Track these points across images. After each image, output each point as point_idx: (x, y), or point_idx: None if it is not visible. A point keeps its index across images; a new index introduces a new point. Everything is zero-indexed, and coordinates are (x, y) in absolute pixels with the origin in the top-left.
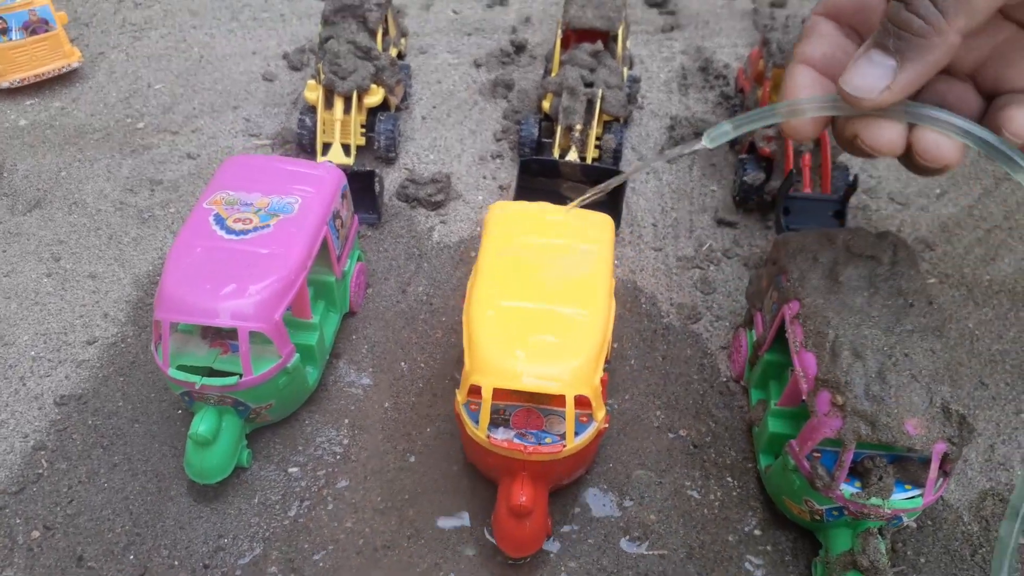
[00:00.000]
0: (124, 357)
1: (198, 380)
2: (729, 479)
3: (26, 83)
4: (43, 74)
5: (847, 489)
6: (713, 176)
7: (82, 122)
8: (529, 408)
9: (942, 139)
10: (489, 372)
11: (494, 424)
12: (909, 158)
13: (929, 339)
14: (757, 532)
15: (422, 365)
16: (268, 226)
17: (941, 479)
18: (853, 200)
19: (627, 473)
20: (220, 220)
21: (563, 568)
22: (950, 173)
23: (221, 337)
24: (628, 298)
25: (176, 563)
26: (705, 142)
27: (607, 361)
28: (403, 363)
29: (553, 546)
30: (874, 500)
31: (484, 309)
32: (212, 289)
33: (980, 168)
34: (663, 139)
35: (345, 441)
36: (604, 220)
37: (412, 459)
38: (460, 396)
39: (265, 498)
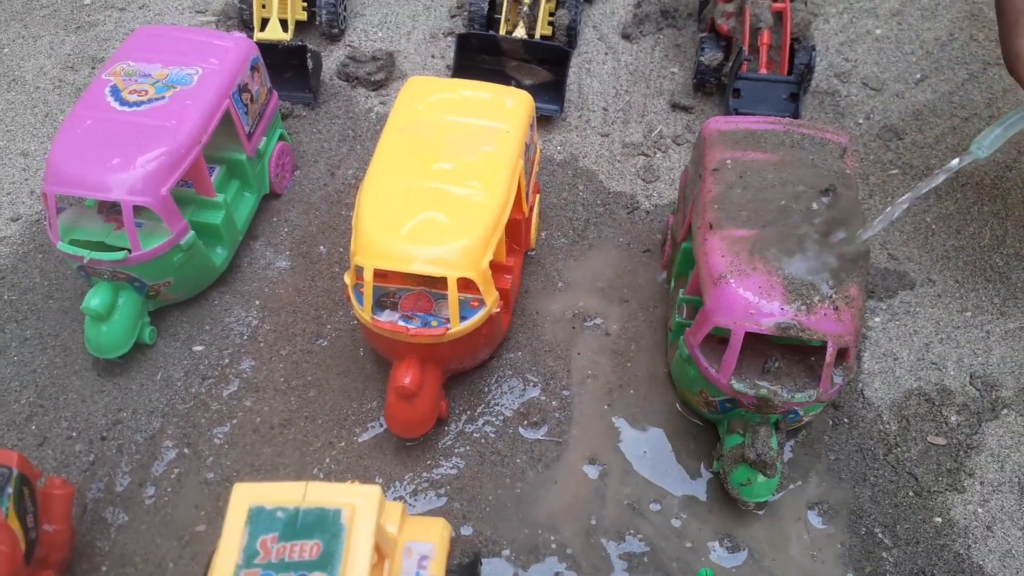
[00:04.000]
0: (46, 235)
1: (86, 254)
2: (640, 370)
3: None
4: None
5: (736, 383)
6: (676, 57)
7: None
8: (420, 292)
9: None
10: (371, 253)
11: (381, 306)
12: None
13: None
14: (661, 422)
15: (341, 249)
16: (164, 98)
17: (841, 376)
18: (822, 85)
19: (535, 360)
20: (116, 92)
21: (456, 451)
22: (935, 56)
23: (117, 212)
24: (565, 185)
25: (75, 434)
26: (976, 152)
27: (530, 249)
28: (322, 247)
29: (451, 429)
30: (763, 392)
31: (373, 187)
32: (98, 162)
33: (969, 52)
34: (628, 17)
35: (254, 322)
36: (522, 98)
37: (320, 343)
38: (348, 278)
39: (168, 375)
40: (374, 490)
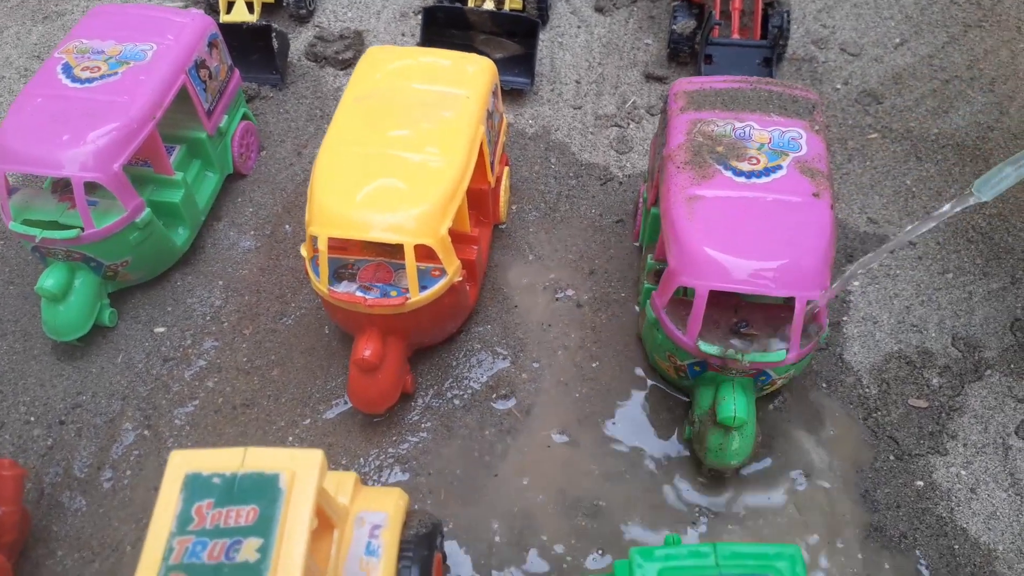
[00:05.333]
0: None
1: (38, 233)
2: (611, 341)
3: None
4: None
5: (703, 343)
6: (650, 29)
7: None
8: (380, 263)
9: None
10: (324, 222)
11: (339, 278)
12: None
13: None
14: (632, 392)
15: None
16: (116, 74)
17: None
18: (799, 51)
19: (505, 333)
20: (68, 69)
21: (423, 426)
22: (915, 20)
23: (71, 191)
24: (537, 159)
25: (32, 419)
26: (979, 194)
27: (500, 223)
28: (288, 226)
29: (418, 403)
30: (730, 353)
31: (328, 156)
32: (48, 138)
33: (949, 15)
34: None
35: (217, 303)
36: (483, 64)
37: (283, 321)
38: (304, 250)
39: (129, 357)
40: (315, 454)
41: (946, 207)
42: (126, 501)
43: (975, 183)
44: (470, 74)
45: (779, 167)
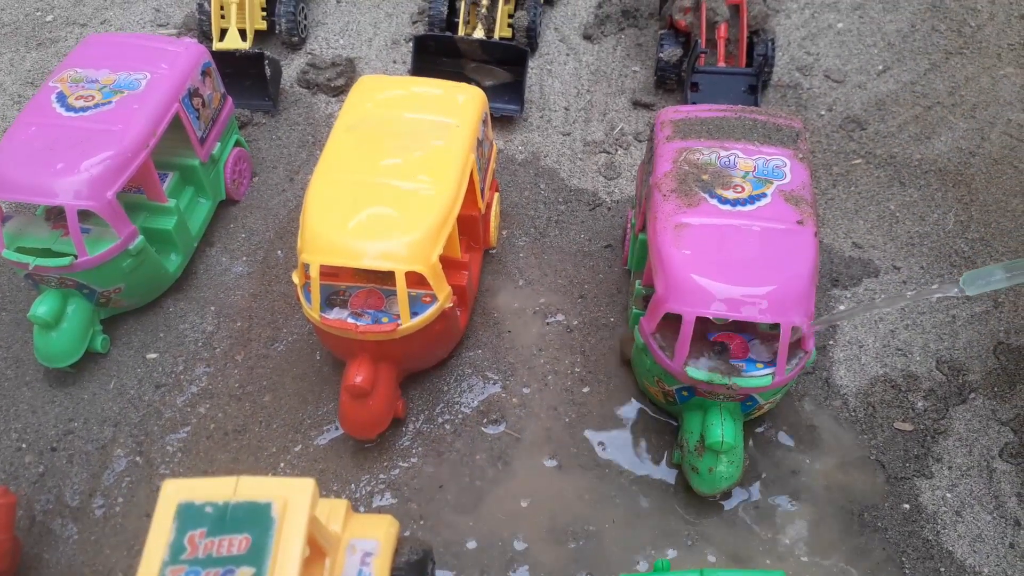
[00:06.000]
0: None
1: (31, 260)
2: (601, 366)
3: None
4: None
5: (691, 369)
6: (638, 56)
7: None
8: (371, 289)
9: None
10: (316, 249)
11: (331, 305)
12: None
13: None
14: (622, 417)
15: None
16: (110, 103)
17: (799, 357)
18: (784, 78)
19: (495, 358)
20: (62, 98)
21: (414, 451)
22: (897, 47)
23: (64, 219)
24: (527, 184)
25: (24, 446)
26: (965, 288)
27: (490, 248)
28: (280, 252)
29: (409, 429)
30: (716, 377)
31: (319, 184)
32: (42, 167)
33: (931, 43)
34: (589, 19)
35: (209, 329)
36: (473, 93)
37: (275, 347)
38: (296, 277)
39: (121, 384)
40: (307, 483)
41: (927, 289)
42: (118, 528)
43: (964, 276)
44: (460, 103)
45: (764, 195)
